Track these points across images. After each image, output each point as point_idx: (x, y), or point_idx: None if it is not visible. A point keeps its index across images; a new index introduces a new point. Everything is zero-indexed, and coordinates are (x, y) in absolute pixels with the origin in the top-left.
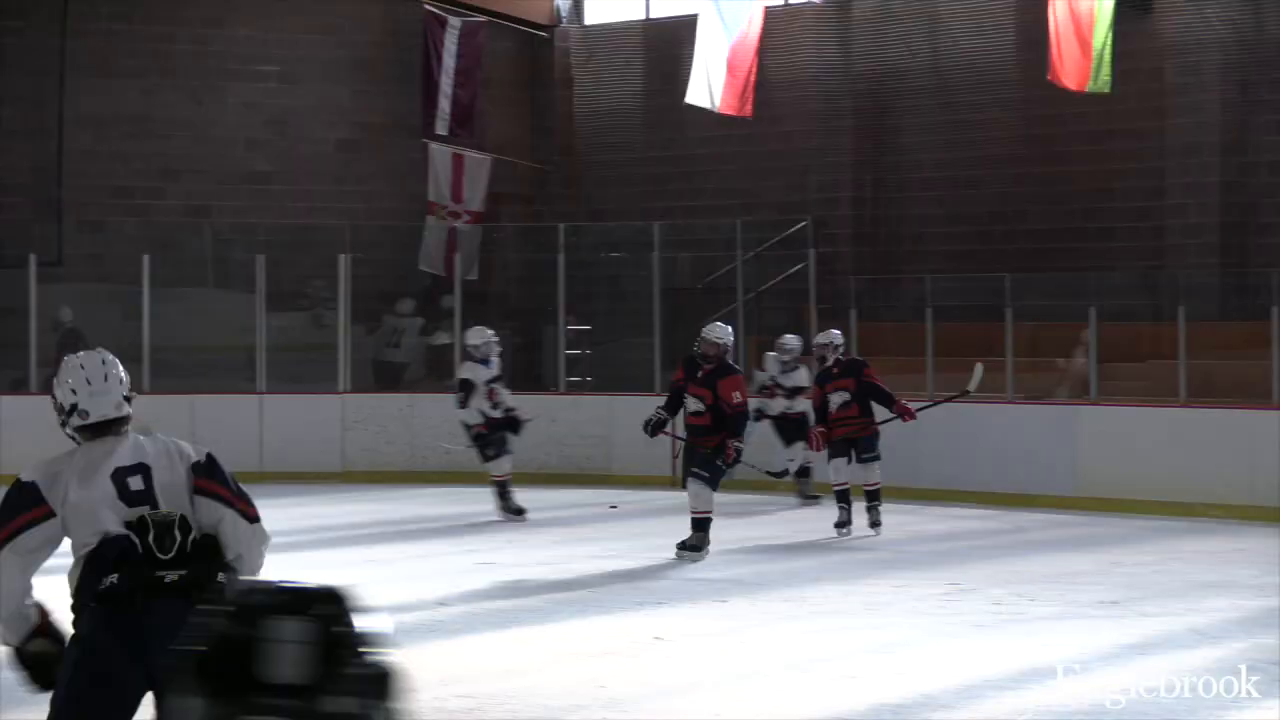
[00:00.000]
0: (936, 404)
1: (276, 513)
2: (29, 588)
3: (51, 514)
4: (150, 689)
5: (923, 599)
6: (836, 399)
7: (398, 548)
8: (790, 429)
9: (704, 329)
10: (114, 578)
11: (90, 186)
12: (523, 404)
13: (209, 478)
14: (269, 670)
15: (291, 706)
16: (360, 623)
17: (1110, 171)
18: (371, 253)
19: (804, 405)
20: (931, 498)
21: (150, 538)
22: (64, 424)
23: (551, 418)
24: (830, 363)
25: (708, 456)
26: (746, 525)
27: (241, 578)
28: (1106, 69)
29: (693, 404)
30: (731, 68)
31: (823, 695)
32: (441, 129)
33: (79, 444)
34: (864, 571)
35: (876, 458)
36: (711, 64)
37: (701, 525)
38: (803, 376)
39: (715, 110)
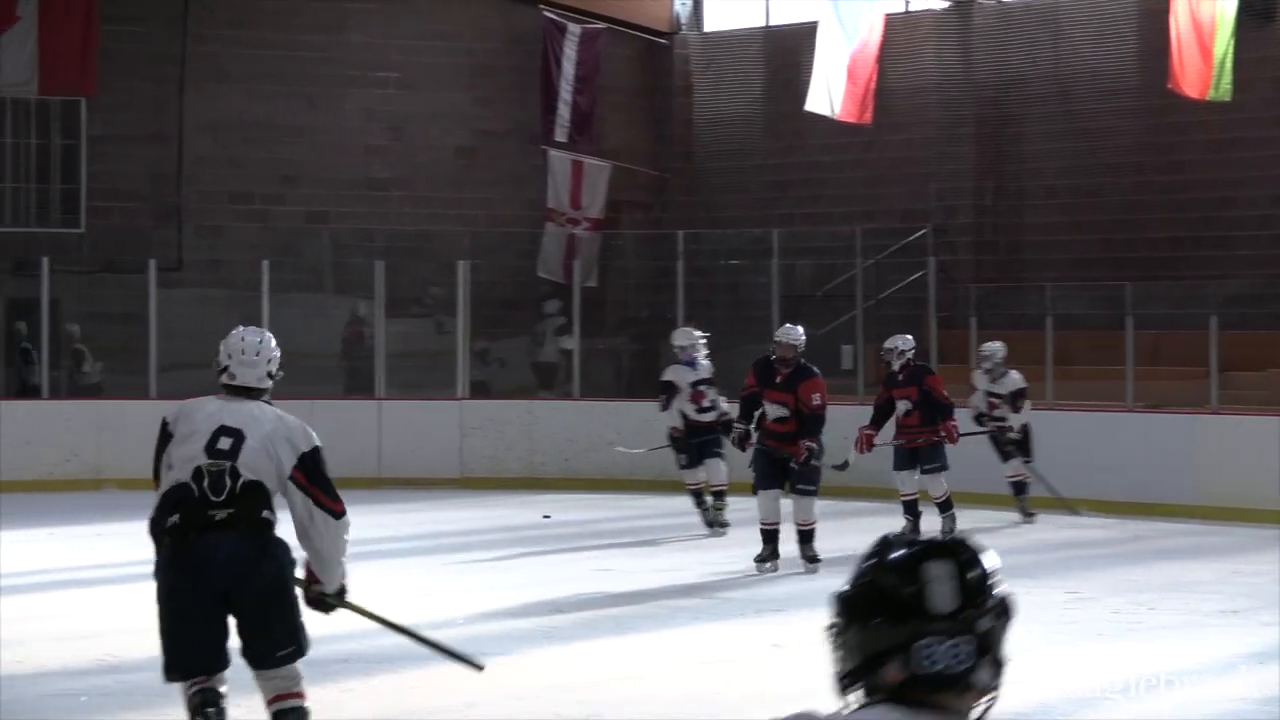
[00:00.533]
0: (982, 433)
1: (394, 518)
2: None
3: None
4: (225, 606)
5: (1042, 607)
6: (901, 406)
7: (515, 553)
8: (1003, 442)
9: (778, 332)
10: (176, 517)
11: (210, 192)
12: (639, 411)
13: (308, 476)
14: (931, 604)
15: (952, 626)
16: (985, 560)
17: (1231, 180)
18: (490, 259)
19: (1026, 415)
20: (1050, 506)
21: (205, 484)
22: (218, 375)
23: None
24: (896, 369)
25: (806, 468)
26: (868, 531)
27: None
28: (1228, 77)
29: (775, 410)
30: (851, 75)
31: None
32: (561, 135)
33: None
34: None
35: (940, 468)
36: (831, 71)
37: (808, 537)
38: (1016, 379)
39: (835, 118)
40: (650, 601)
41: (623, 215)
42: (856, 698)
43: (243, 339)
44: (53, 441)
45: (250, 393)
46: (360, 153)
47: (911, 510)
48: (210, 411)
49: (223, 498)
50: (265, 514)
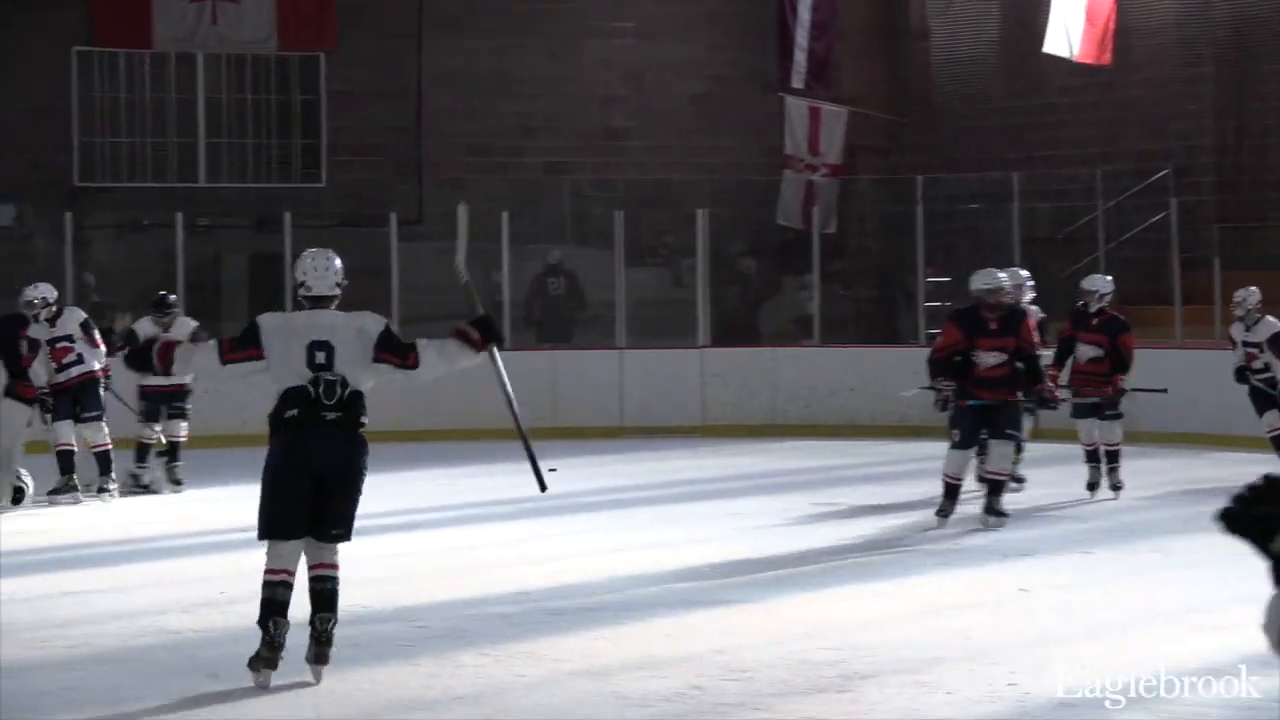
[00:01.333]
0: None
1: (636, 466)
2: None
3: (261, 357)
4: (316, 487)
5: None
6: (1088, 351)
7: (757, 501)
8: (1260, 395)
9: (987, 278)
10: (294, 412)
11: (449, 145)
12: (879, 357)
13: (387, 350)
14: None
15: None
16: None
17: None
18: (728, 207)
19: None
20: None
21: (320, 390)
22: (296, 292)
23: (912, 370)
24: (1092, 310)
25: (1014, 415)
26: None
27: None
28: None
29: (992, 358)
30: (1090, 15)
31: (1191, 645)
32: (797, 82)
33: (305, 308)
34: None
35: (1119, 415)
36: (1069, 12)
37: (998, 489)
38: (1272, 324)
39: (1073, 59)
40: (895, 548)
41: (860, 161)
42: None
43: (312, 258)
44: None
45: (323, 301)
46: (598, 103)
47: (1094, 458)
48: (299, 327)
49: (333, 403)
50: (363, 419)
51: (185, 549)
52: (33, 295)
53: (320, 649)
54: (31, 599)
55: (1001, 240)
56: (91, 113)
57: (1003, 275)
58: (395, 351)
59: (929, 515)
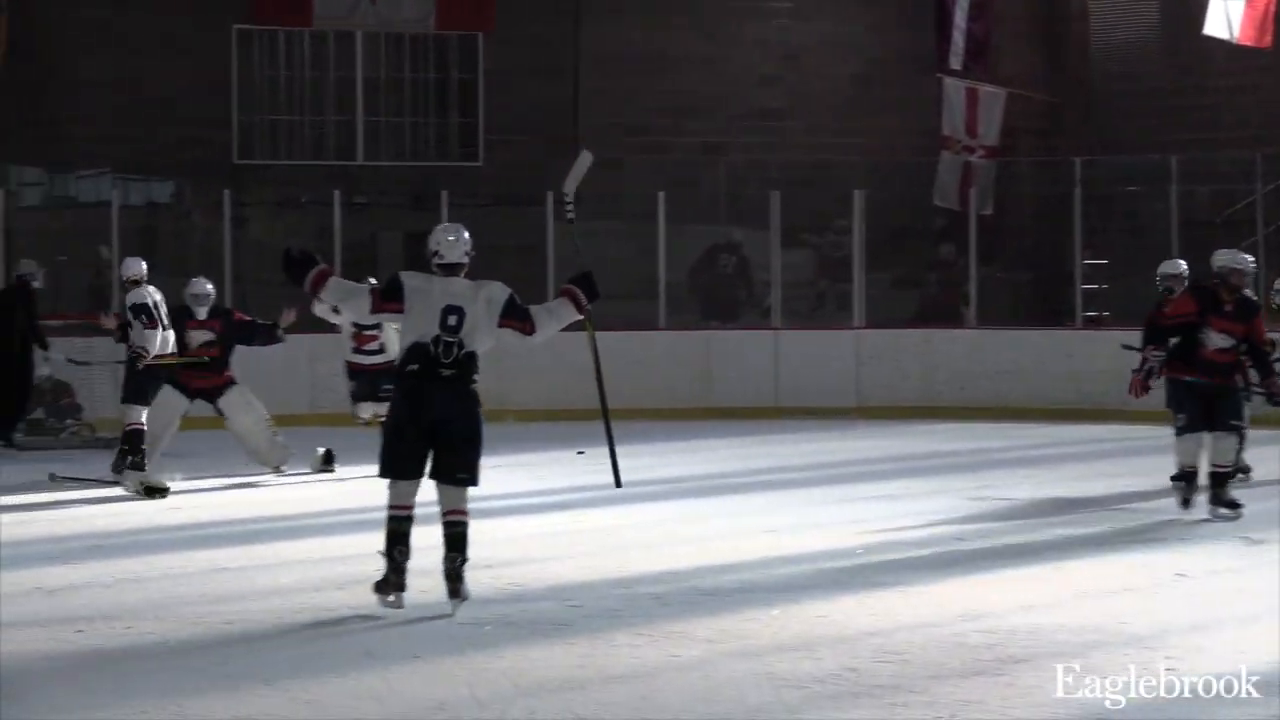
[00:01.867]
0: None
1: (789, 448)
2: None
3: (402, 311)
4: (434, 436)
5: None
6: (1218, 340)
7: (911, 483)
8: None
9: (1228, 258)
10: (415, 366)
11: (605, 125)
12: (1036, 340)
13: (511, 317)
14: None
15: None
16: None
17: None
18: (884, 188)
19: None
20: None
21: (440, 348)
22: (429, 261)
23: (1068, 353)
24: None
25: (1237, 404)
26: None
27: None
28: None
29: (1221, 340)
30: None
31: None
32: (955, 63)
33: (438, 275)
34: None
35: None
36: None
37: (1224, 480)
38: None
39: (1233, 41)
40: (1050, 530)
41: (1018, 143)
42: None
43: (445, 231)
44: None
45: (454, 268)
46: (755, 83)
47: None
48: (437, 292)
49: (449, 362)
50: (475, 377)
51: (341, 526)
52: (198, 289)
53: (453, 584)
54: (189, 574)
55: (1159, 224)
56: (251, 91)
57: (1248, 258)
58: (517, 318)
59: (1081, 497)
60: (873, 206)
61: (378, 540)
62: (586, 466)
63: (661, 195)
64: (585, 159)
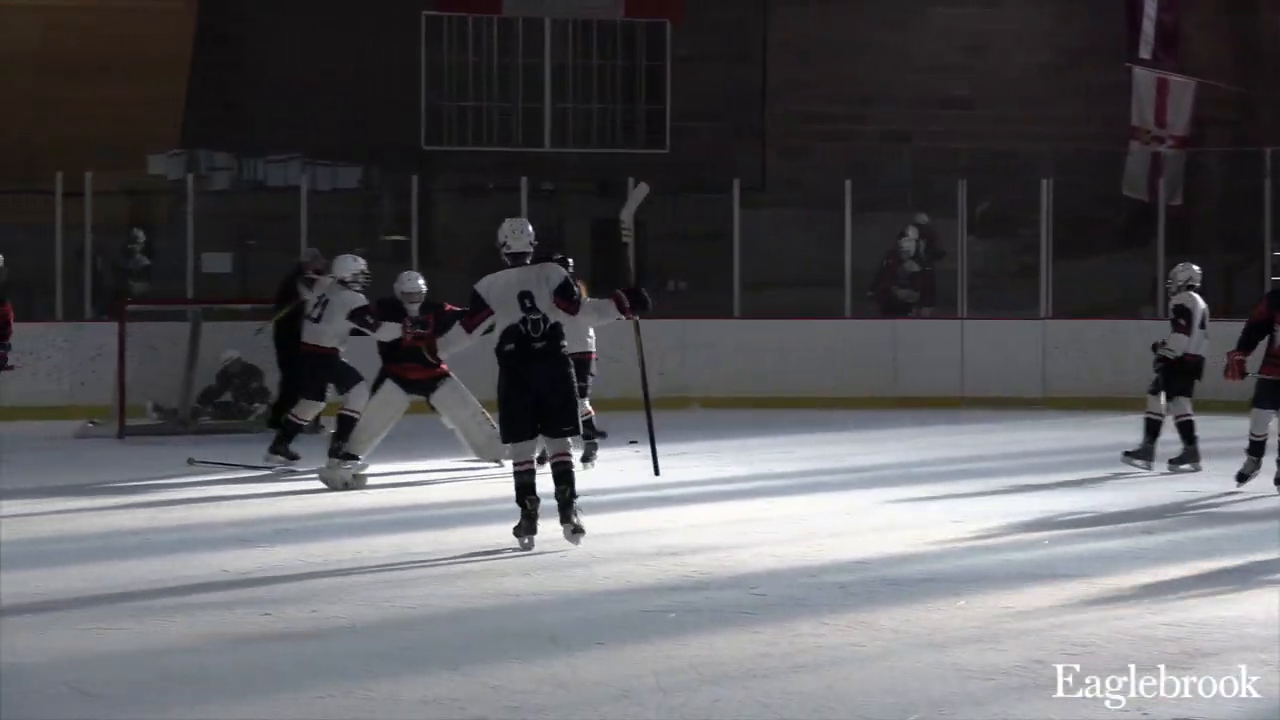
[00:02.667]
0: None
1: (975, 439)
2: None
3: (491, 313)
4: (538, 400)
5: None
6: None
7: (1098, 473)
8: None
9: None
10: (511, 345)
11: (791, 113)
12: (1231, 332)
13: (562, 297)
14: None
15: None
16: None
17: None
18: (1071, 177)
19: None
20: None
21: (529, 326)
22: (499, 251)
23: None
24: None
25: None
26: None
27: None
28: None
29: None
30: None
31: None
32: (1144, 52)
33: (509, 265)
34: None
35: None
36: None
37: None
38: None
39: None
40: (1239, 523)
41: (1207, 133)
42: None
43: (511, 224)
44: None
45: (520, 257)
46: (941, 71)
47: (1257, 451)
48: (510, 281)
49: (539, 335)
50: (563, 344)
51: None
52: (411, 287)
53: (564, 510)
54: (376, 559)
55: None
56: (439, 76)
57: None
58: (566, 298)
59: (1271, 493)
60: (1060, 195)
61: (560, 529)
62: (766, 456)
63: (847, 183)
64: (641, 189)
